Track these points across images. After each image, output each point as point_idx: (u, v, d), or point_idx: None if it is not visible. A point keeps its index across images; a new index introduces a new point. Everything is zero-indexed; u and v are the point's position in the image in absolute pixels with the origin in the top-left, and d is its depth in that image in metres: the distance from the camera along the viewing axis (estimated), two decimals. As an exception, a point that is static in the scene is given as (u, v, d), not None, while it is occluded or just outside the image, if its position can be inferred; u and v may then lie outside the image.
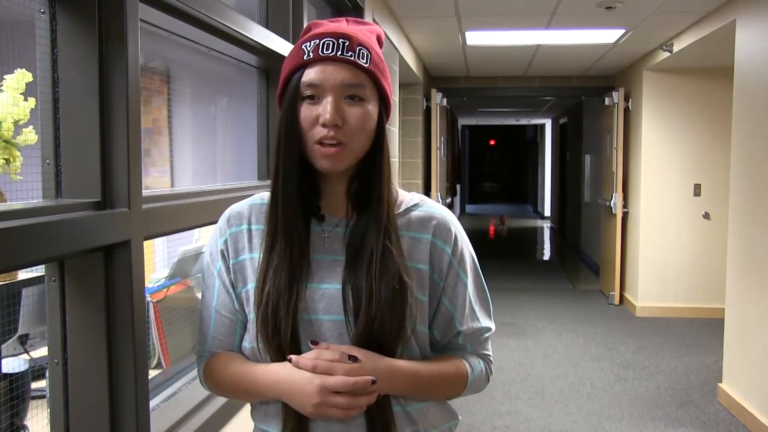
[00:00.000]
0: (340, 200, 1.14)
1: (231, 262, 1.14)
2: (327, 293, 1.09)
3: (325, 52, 1.05)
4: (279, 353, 1.07)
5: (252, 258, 1.13)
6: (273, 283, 1.07)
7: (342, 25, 1.11)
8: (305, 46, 1.07)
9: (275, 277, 1.07)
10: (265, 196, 1.16)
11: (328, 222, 1.13)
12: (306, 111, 1.05)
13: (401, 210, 1.16)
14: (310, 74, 1.05)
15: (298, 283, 1.07)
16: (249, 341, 1.14)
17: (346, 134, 1.05)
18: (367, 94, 1.07)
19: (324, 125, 1.04)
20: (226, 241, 1.15)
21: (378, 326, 1.05)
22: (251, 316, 1.12)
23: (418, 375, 1.12)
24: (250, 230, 1.15)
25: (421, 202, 1.19)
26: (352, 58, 1.05)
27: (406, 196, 1.19)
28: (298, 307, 1.07)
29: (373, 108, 1.08)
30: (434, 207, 1.20)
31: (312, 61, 1.05)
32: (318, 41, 1.06)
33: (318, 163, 1.07)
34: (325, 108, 1.04)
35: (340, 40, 1.06)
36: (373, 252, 1.07)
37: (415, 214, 1.16)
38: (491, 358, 1.36)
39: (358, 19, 1.17)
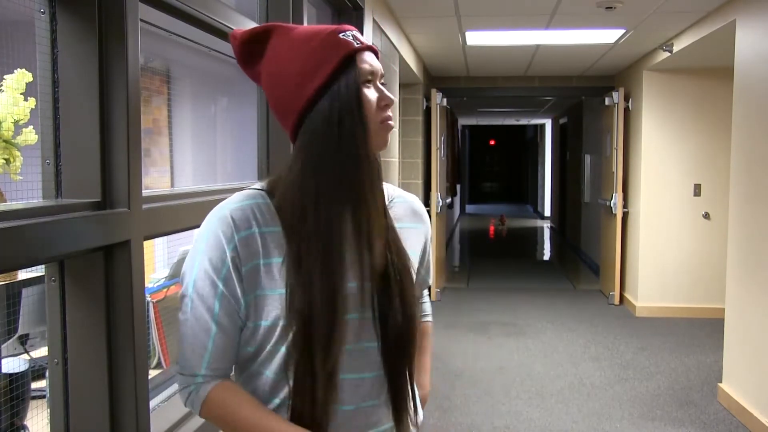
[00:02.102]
0: None
1: (243, 270, 1.06)
2: (351, 290, 1.10)
3: (363, 42, 1.10)
4: (326, 352, 1.05)
5: (268, 263, 1.07)
6: (326, 283, 1.05)
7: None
8: (344, 36, 1.09)
9: (326, 278, 1.05)
10: (256, 194, 1.10)
11: None
12: (370, 93, 1.09)
13: (388, 202, 1.21)
14: (366, 60, 1.09)
15: (343, 282, 1.08)
16: (272, 371, 1.09)
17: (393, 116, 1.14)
18: None
19: (387, 106, 1.10)
20: (236, 247, 1.06)
21: (412, 316, 1.13)
22: (263, 323, 1.07)
23: (428, 367, 1.33)
24: (262, 234, 1.07)
25: (397, 193, 1.26)
26: (378, 50, 1.14)
27: (385, 188, 1.22)
28: (345, 308, 1.08)
29: None
30: (408, 196, 1.29)
31: (362, 48, 1.09)
32: (351, 33, 1.10)
33: (380, 140, 1.11)
34: (384, 91, 1.11)
35: (358, 33, 1.12)
36: (390, 245, 1.13)
37: (400, 205, 1.24)
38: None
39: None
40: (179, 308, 1.10)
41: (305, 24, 2.42)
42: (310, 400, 1.05)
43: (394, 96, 4.57)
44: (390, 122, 1.11)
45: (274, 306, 1.07)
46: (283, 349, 1.07)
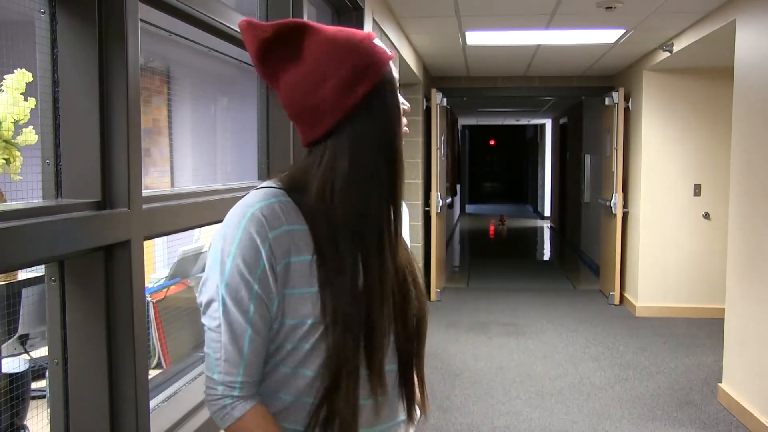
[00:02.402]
0: None
1: (278, 269, 1.05)
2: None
3: (388, 51, 1.14)
4: (378, 346, 1.08)
5: (300, 261, 1.06)
6: (375, 284, 1.08)
7: None
8: (377, 43, 1.12)
9: (378, 280, 1.08)
10: (276, 192, 1.09)
11: None
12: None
13: None
14: (394, 70, 1.14)
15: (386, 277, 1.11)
16: (290, 367, 1.09)
17: None
18: None
19: (405, 112, 1.16)
20: (270, 246, 1.04)
21: (425, 308, 1.19)
22: (288, 321, 1.07)
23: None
24: (291, 231, 1.06)
25: None
26: None
27: None
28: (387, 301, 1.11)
29: None
30: None
31: (391, 57, 1.13)
32: (376, 41, 1.13)
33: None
34: (401, 98, 1.15)
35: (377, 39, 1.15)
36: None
37: None
38: None
39: None
40: (203, 315, 1.07)
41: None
42: (352, 397, 1.07)
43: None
44: (405, 128, 1.16)
45: (302, 304, 1.06)
46: (306, 347, 1.07)
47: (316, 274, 1.06)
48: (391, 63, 1.12)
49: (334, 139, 1.08)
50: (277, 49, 1.10)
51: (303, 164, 1.12)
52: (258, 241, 1.04)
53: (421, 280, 1.20)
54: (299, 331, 1.07)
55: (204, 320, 1.07)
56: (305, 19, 2.42)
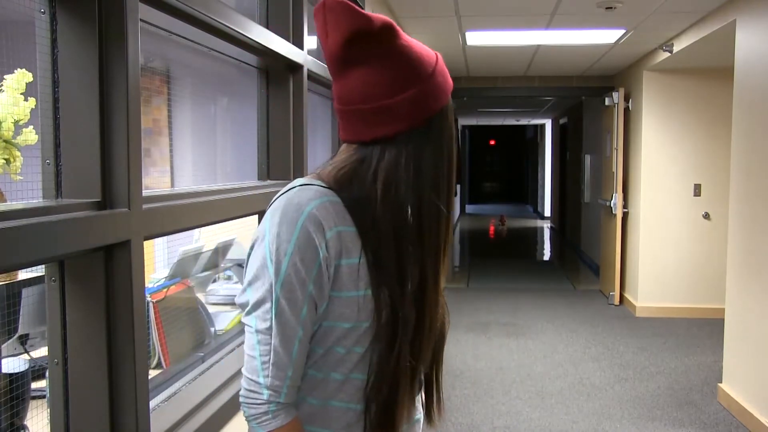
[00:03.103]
0: None
1: (331, 271, 1.04)
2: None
3: None
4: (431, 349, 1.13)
5: (349, 263, 1.05)
6: (430, 289, 1.11)
7: None
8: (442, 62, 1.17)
9: (433, 285, 1.12)
10: (325, 191, 1.06)
11: None
12: None
13: None
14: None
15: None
16: (319, 370, 1.09)
17: None
18: None
19: None
20: (327, 246, 1.02)
21: (445, 311, 1.23)
22: (325, 324, 1.06)
23: None
24: (341, 233, 1.04)
25: None
26: None
27: None
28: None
29: None
30: None
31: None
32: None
33: None
34: None
35: None
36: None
37: None
38: None
39: None
40: (250, 314, 1.04)
41: (305, 24, 2.41)
42: (408, 399, 1.11)
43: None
44: None
45: (346, 307, 1.05)
46: (341, 351, 1.07)
47: (366, 277, 1.05)
48: None
49: (393, 145, 1.08)
50: (369, 42, 1.06)
51: (347, 164, 1.10)
52: (316, 240, 1.01)
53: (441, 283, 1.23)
54: (334, 335, 1.06)
55: (249, 321, 1.04)
56: (305, 18, 2.42)
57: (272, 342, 1.02)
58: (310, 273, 1.01)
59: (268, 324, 1.02)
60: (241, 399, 1.05)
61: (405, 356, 1.07)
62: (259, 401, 1.03)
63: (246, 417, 1.05)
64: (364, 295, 1.05)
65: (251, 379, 1.03)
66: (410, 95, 1.07)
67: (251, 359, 1.03)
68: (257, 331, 1.03)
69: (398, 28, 1.10)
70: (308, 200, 1.03)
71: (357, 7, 1.07)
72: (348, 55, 1.07)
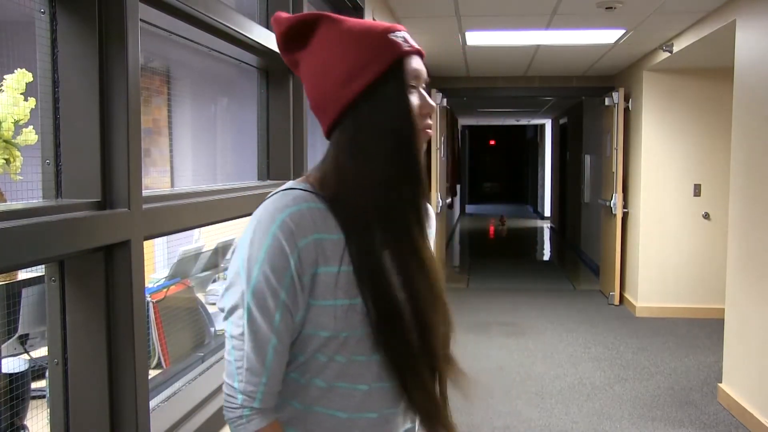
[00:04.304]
0: None
1: (304, 279, 1.02)
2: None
3: (413, 45, 1.09)
4: (431, 357, 1.11)
5: (327, 272, 1.03)
6: (416, 290, 1.07)
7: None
8: (394, 36, 1.07)
9: (419, 285, 1.08)
10: (308, 196, 1.05)
11: None
12: (414, 101, 1.08)
13: None
14: (414, 65, 1.08)
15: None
16: (301, 375, 1.09)
17: None
18: None
19: (429, 114, 1.10)
20: (299, 254, 1.01)
21: (449, 323, 1.23)
22: (304, 332, 1.06)
23: None
24: (320, 241, 1.03)
25: None
26: (423, 53, 1.12)
27: None
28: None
29: None
30: None
31: (410, 52, 1.08)
32: (402, 33, 1.09)
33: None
34: (428, 98, 1.10)
35: (408, 35, 1.10)
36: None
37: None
38: None
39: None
40: (226, 320, 1.05)
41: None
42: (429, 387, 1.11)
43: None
44: (429, 130, 1.11)
45: (323, 316, 1.04)
46: (322, 359, 1.07)
47: (346, 287, 1.04)
48: (412, 57, 1.08)
49: (338, 132, 1.07)
50: (291, 41, 1.10)
51: (322, 164, 1.11)
52: (287, 249, 1.01)
53: (445, 296, 1.17)
54: (314, 343, 1.06)
55: (226, 327, 1.05)
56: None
57: (245, 348, 1.02)
58: (281, 281, 1.01)
59: (240, 330, 1.02)
60: (223, 403, 1.07)
61: (404, 350, 1.07)
62: (234, 405, 1.04)
63: (225, 420, 1.07)
64: (341, 305, 1.04)
65: (228, 384, 1.05)
66: (330, 79, 1.06)
67: (228, 364, 1.05)
68: (231, 337, 1.04)
69: (325, 17, 1.09)
70: (284, 207, 1.03)
71: (281, 16, 1.10)
72: (286, 58, 1.13)
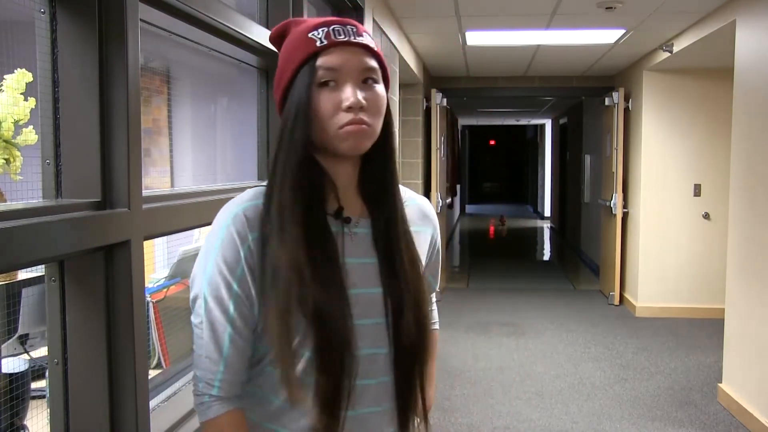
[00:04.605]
0: (351, 197, 1.12)
1: (257, 271, 1.05)
2: (363, 298, 1.08)
3: (338, 37, 1.05)
4: (341, 366, 1.03)
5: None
6: (322, 294, 1.01)
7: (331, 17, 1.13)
8: (314, 35, 1.05)
9: (322, 287, 1.02)
10: (261, 193, 1.08)
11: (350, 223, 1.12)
12: (326, 98, 1.04)
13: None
14: (327, 60, 1.04)
15: (347, 290, 1.05)
16: (279, 397, 1.08)
17: (369, 116, 1.05)
18: (379, 77, 1.09)
19: (350, 108, 1.03)
20: (250, 247, 1.04)
21: (425, 322, 1.11)
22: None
23: (433, 378, 1.35)
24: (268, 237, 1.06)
25: (407, 195, 1.23)
26: (365, 42, 1.07)
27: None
28: (353, 313, 1.04)
29: (383, 91, 1.10)
30: (419, 199, 1.26)
31: (327, 47, 1.05)
32: (327, 28, 1.06)
33: (342, 144, 1.04)
34: (349, 91, 1.04)
35: (348, 26, 1.07)
36: (403, 252, 1.11)
37: (412, 207, 1.21)
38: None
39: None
40: (192, 311, 1.08)
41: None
42: (325, 402, 1.04)
43: (394, 96, 4.57)
44: (351, 127, 1.03)
45: (294, 306, 1.04)
46: (303, 352, 1.05)
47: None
48: (330, 52, 1.04)
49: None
50: (277, 49, 1.15)
51: None
52: (238, 241, 1.04)
53: (423, 296, 1.12)
54: (260, 351, 1.08)
55: (192, 317, 1.08)
56: (303, 17, 2.42)
57: (204, 337, 1.06)
58: (234, 273, 1.04)
59: (200, 320, 1.06)
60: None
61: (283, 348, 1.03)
62: (196, 392, 1.08)
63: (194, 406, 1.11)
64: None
65: (194, 371, 1.09)
66: (277, 85, 1.10)
67: (193, 352, 1.09)
68: (194, 326, 1.07)
69: (291, 24, 1.11)
70: (243, 202, 1.07)
71: (275, 27, 1.14)
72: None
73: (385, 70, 1.11)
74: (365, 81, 1.06)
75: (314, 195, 1.06)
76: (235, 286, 1.04)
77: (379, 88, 1.08)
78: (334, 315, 1.02)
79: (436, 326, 1.40)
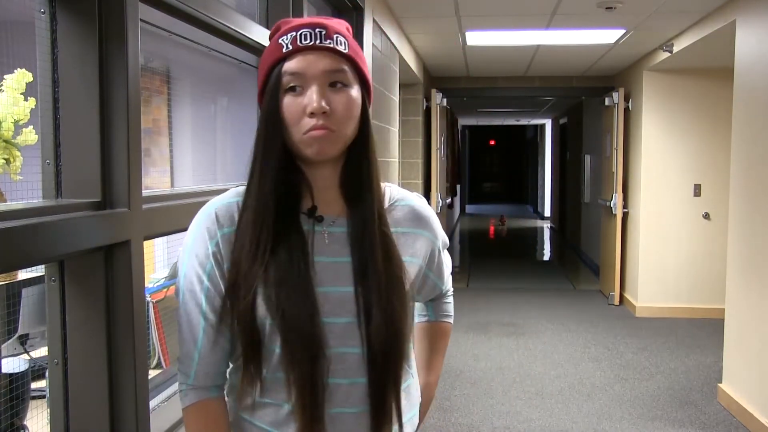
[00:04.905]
0: (331, 197, 1.12)
1: (225, 267, 1.07)
2: (333, 296, 1.07)
3: (304, 42, 1.05)
4: (310, 363, 1.03)
5: None
6: (286, 292, 1.02)
7: (315, 17, 1.12)
8: (282, 40, 1.06)
9: (286, 285, 1.03)
10: (241, 191, 1.11)
11: (324, 222, 1.11)
12: (291, 103, 1.05)
13: (389, 205, 1.17)
14: (291, 65, 1.05)
15: (314, 289, 1.05)
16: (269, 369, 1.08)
17: (334, 121, 1.05)
18: (350, 80, 1.08)
19: (312, 114, 1.03)
20: (217, 243, 1.07)
21: (398, 324, 1.08)
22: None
23: (438, 369, 1.42)
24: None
25: (401, 196, 1.21)
26: (332, 45, 1.06)
27: (387, 189, 1.19)
28: (321, 311, 1.04)
29: (356, 93, 1.09)
30: (414, 200, 1.23)
31: (292, 52, 1.05)
32: (295, 33, 1.06)
33: (306, 150, 1.06)
34: (311, 97, 1.04)
35: (317, 29, 1.06)
36: (378, 252, 1.09)
37: (402, 209, 1.19)
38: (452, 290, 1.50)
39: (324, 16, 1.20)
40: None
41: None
42: (302, 402, 1.04)
43: (394, 96, 4.56)
44: (314, 132, 1.03)
45: (260, 304, 1.05)
46: (273, 348, 1.06)
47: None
48: (294, 58, 1.05)
49: None
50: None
51: None
52: (207, 238, 1.08)
53: (396, 298, 1.09)
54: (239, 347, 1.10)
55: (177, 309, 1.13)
56: (303, 17, 2.42)
57: (182, 329, 1.11)
58: (204, 267, 1.08)
59: (180, 311, 1.11)
60: None
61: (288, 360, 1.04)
62: (179, 380, 1.13)
63: None
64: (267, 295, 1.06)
65: (178, 358, 1.14)
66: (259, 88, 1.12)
67: (178, 341, 1.13)
68: (177, 316, 1.12)
69: (279, 26, 1.12)
70: (220, 199, 1.12)
71: (272, 29, 1.15)
72: None
73: (361, 71, 1.10)
74: (334, 85, 1.06)
75: (288, 195, 1.08)
76: (206, 281, 1.08)
77: (351, 91, 1.07)
78: (298, 312, 1.03)
79: (448, 319, 1.50)
